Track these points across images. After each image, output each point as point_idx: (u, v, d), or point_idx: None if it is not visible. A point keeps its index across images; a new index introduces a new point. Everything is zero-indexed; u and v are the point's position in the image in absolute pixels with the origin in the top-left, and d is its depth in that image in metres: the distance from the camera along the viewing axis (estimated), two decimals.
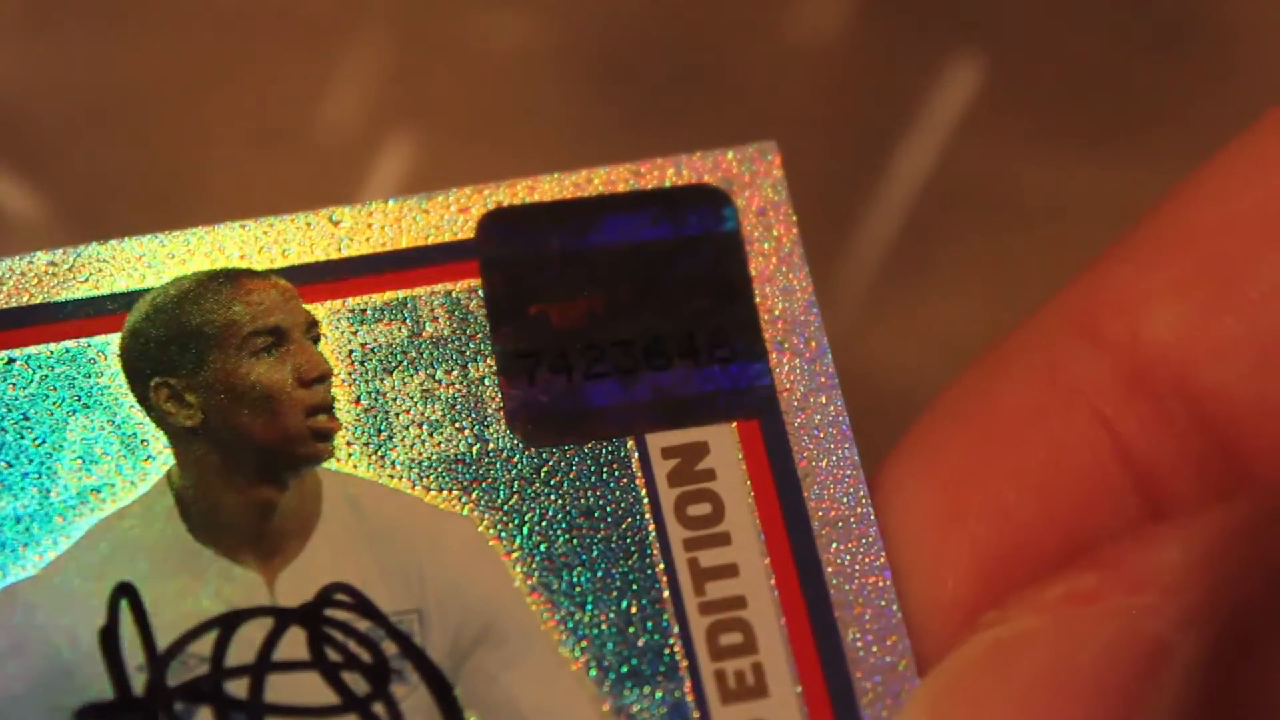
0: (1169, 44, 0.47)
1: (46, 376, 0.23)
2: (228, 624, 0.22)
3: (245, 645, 0.22)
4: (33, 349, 0.23)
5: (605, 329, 0.23)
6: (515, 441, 0.23)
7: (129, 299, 0.23)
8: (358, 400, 0.23)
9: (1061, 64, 0.47)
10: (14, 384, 0.23)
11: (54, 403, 0.23)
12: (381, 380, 0.23)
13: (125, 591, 0.22)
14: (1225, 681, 0.19)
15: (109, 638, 0.22)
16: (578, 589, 0.22)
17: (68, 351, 0.23)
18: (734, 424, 0.23)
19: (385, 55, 0.46)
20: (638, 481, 0.23)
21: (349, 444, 0.23)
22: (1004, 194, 0.45)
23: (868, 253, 0.44)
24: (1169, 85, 0.46)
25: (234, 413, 0.22)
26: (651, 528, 0.22)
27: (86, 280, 0.23)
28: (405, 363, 0.23)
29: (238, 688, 0.22)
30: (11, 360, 0.23)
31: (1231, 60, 0.47)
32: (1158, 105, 0.46)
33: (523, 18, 0.46)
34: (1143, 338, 0.22)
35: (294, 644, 0.22)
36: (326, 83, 0.46)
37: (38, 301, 0.23)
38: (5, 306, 0.23)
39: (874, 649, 0.22)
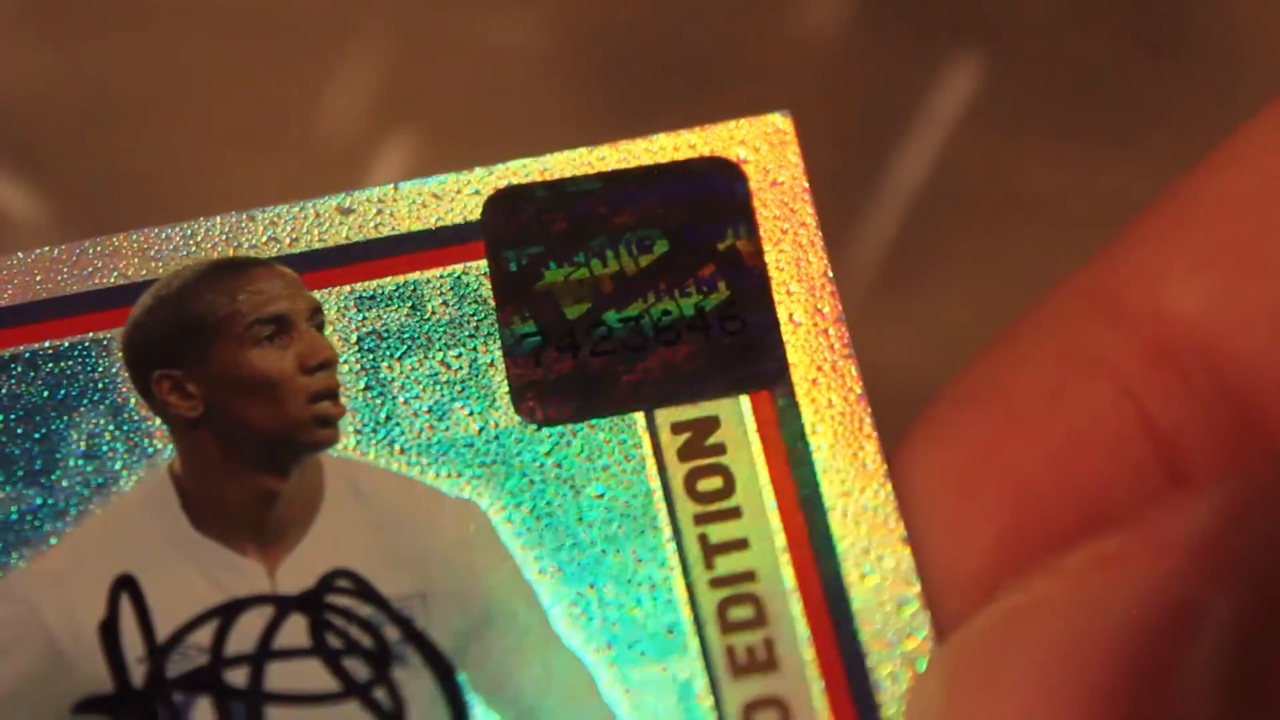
0: (1169, 44, 0.47)
1: (50, 372, 0.23)
2: (228, 613, 0.22)
3: (246, 634, 0.22)
4: (36, 345, 0.23)
5: (613, 306, 0.23)
6: (522, 422, 0.22)
7: (133, 292, 0.23)
8: (363, 385, 0.23)
9: (1061, 64, 0.47)
10: (18, 379, 0.23)
11: (58, 398, 0.22)
12: (387, 365, 0.23)
13: (125, 584, 0.22)
14: (1262, 644, 0.19)
15: (109, 631, 0.22)
16: (585, 568, 0.22)
17: (71, 347, 0.23)
18: (745, 397, 0.23)
19: (385, 55, 0.46)
20: (646, 458, 0.22)
21: (355, 431, 0.22)
22: (1004, 193, 0.45)
23: (868, 251, 0.44)
24: (1169, 85, 0.46)
25: (236, 402, 0.22)
26: (660, 504, 0.22)
27: (90, 274, 0.23)
28: (411, 347, 0.23)
29: (238, 677, 0.22)
30: (15, 356, 0.23)
31: (1231, 61, 0.47)
32: (1158, 105, 0.46)
33: (523, 17, 0.46)
34: (1166, 310, 0.22)
35: (295, 631, 0.22)
36: (326, 83, 0.46)
37: (42, 297, 0.23)
38: (9, 304, 0.23)
39: (890, 622, 0.22)
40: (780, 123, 0.23)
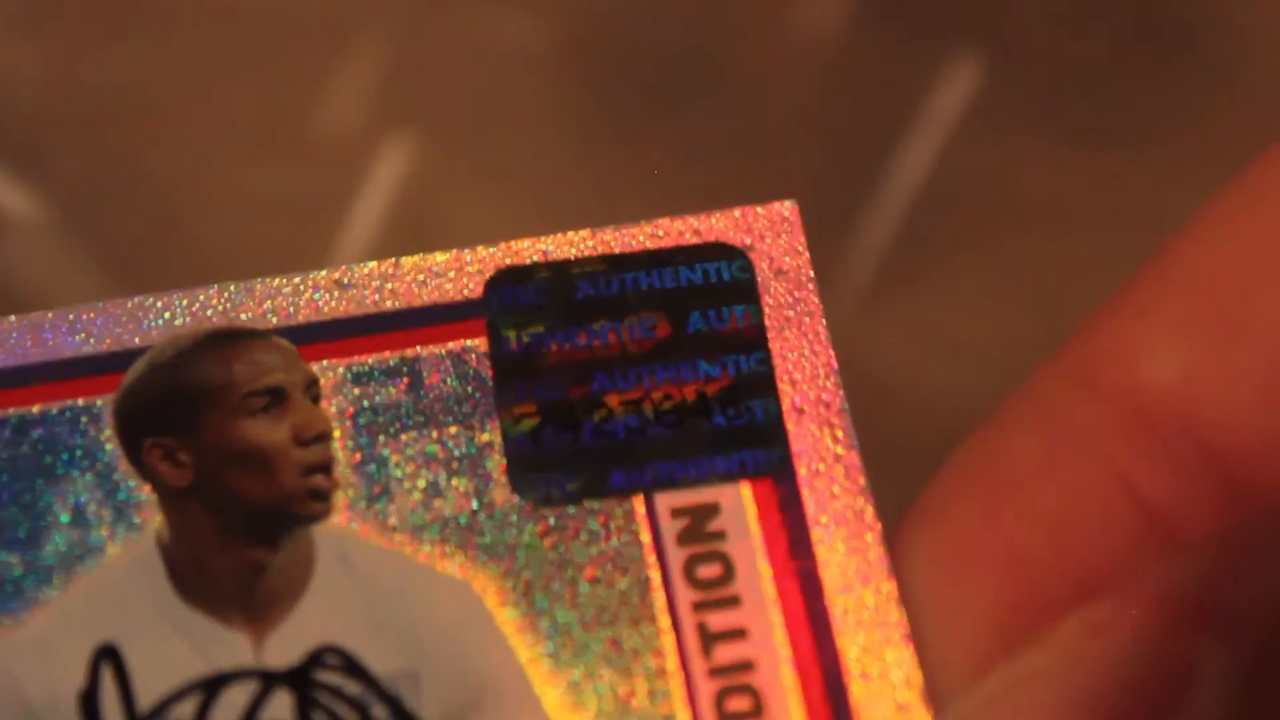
0: (1169, 44, 0.47)
1: (38, 437, 0.22)
2: (211, 687, 0.22)
3: (230, 709, 0.21)
4: (24, 409, 0.22)
5: (615, 388, 0.23)
6: (519, 503, 0.22)
7: (125, 359, 0.23)
8: (358, 460, 0.22)
9: (1061, 64, 0.46)
10: (4, 444, 0.22)
11: (45, 462, 0.22)
12: (383, 440, 0.23)
13: (107, 653, 0.22)
14: (1264, 692, 0.19)
15: (89, 701, 0.21)
16: (581, 653, 0.22)
17: (60, 412, 0.22)
18: (746, 484, 0.22)
19: (385, 55, 0.46)
20: (645, 542, 0.22)
21: (349, 505, 0.22)
22: (1004, 194, 0.45)
23: (868, 253, 0.44)
24: (1169, 85, 0.46)
25: (229, 473, 0.22)
26: (659, 589, 0.22)
27: (82, 341, 0.23)
28: (408, 423, 0.23)
29: None
30: (2, 420, 0.22)
31: (1232, 60, 0.47)
32: (1157, 105, 0.46)
33: (523, 18, 0.46)
34: (1144, 381, 0.22)
35: (280, 708, 0.22)
36: (326, 83, 0.46)
37: (32, 361, 0.23)
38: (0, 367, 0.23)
39: (890, 714, 0.21)
40: (786, 210, 0.23)
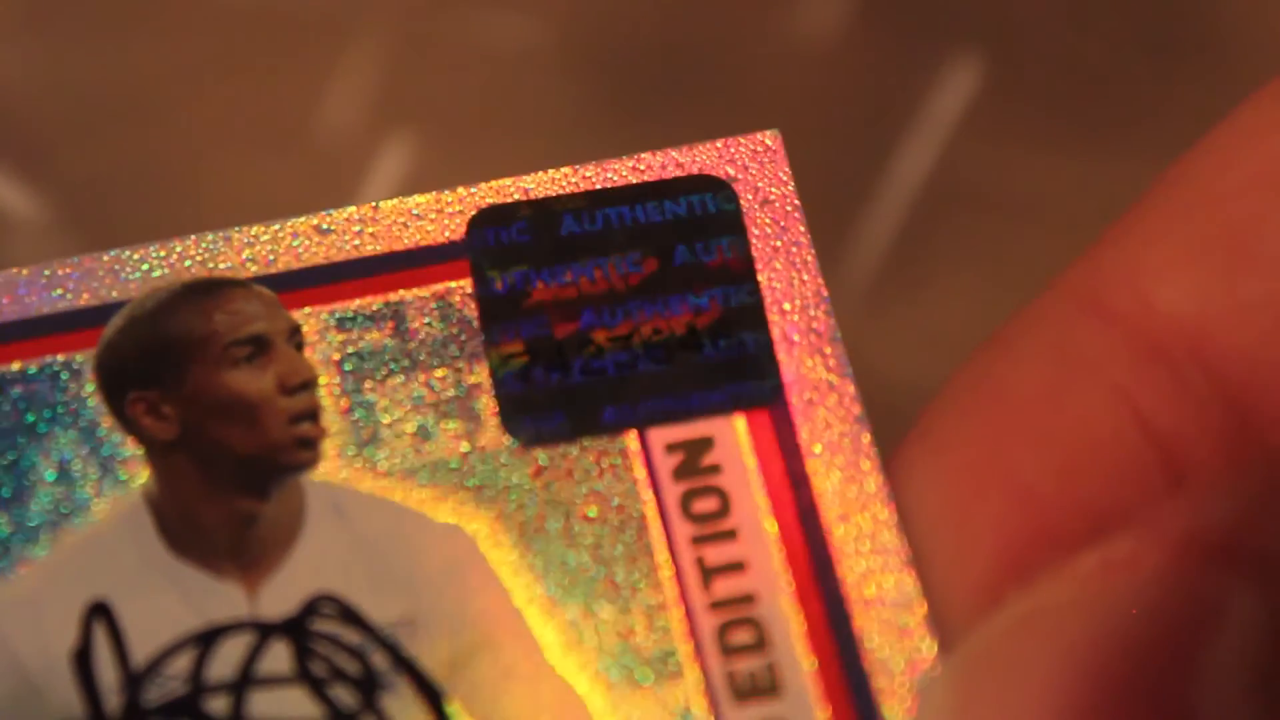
0: (1169, 44, 0.47)
1: (19, 395, 0.22)
2: (207, 640, 0.21)
3: (226, 661, 0.21)
4: (4, 368, 0.22)
5: (603, 325, 0.23)
6: (511, 443, 0.22)
7: (104, 313, 0.22)
8: (345, 407, 0.22)
9: (1061, 64, 0.46)
10: None
11: (27, 420, 0.22)
12: (370, 386, 0.22)
13: (99, 610, 0.21)
14: None
15: (82, 659, 0.21)
16: (579, 592, 0.22)
17: (41, 370, 0.22)
18: (740, 416, 0.22)
19: (385, 55, 0.46)
20: (639, 479, 0.22)
21: (338, 452, 0.22)
22: (1004, 194, 0.45)
23: (868, 253, 0.44)
24: (1169, 85, 0.46)
25: (214, 424, 0.22)
26: (656, 525, 0.22)
27: (60, 296, 0.22)
28: (395, 368, 0.22)
29: (218, 706, 0.21)
30: None
31: (1231, 60, 0.47)
32: (1158, 105, 0.46)
33: (523, 18, 0.46)
34: (1155, 307, 0.22)
35: (278, 658, 0.21)
36: (326, 83, 0.46)
37: (9, 319, 0.22)
38: None
39: (894, 640, 0.21)
40: (769, 141, 0.23)
